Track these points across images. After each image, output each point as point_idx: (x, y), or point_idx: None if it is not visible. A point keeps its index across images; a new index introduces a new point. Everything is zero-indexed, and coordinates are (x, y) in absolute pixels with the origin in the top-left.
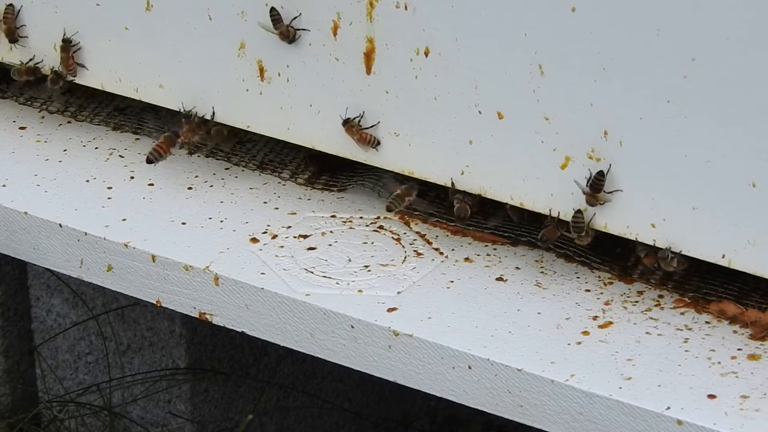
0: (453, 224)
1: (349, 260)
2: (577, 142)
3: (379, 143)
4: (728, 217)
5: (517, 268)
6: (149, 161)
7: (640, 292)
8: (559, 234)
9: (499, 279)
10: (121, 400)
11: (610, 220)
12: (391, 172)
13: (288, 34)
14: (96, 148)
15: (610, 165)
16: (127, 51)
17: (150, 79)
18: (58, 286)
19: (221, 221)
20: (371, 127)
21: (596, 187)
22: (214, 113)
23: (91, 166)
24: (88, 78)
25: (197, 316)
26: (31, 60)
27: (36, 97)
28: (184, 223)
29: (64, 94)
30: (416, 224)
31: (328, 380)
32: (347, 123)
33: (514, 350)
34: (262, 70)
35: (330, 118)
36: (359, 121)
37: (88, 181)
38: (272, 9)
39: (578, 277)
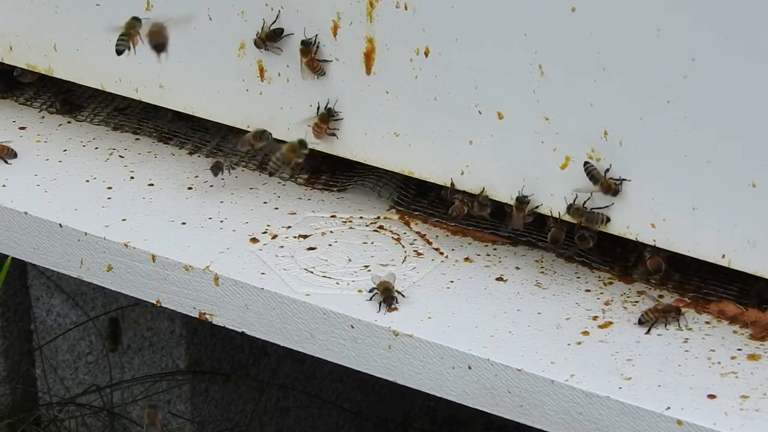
0: (453, 224)
1: (349, 260)
2: (577, 142)
3: (324, 74)
4: (728, 217)
5: (517, 268)
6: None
7: (640, 292)
8: (564, 236)
9: (499, 279)
10: (121, 401)
11: (610, 220)
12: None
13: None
14: (96, 148)
15: (611, 165)
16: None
17: (150, 79)
18: (58, 286)
19: (221, 221)
20: (327, 61)
21: (592, 176)
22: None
23: (91, 166)
24: (88, 78)
25: (197, 316)
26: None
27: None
28: (184, 223)
29: (64, 93)
30: (416, 224)
31: (328, 380)
32: (306, 45)
33: (514, 350)
34: (262, 70)
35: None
36: (316, 49)
37: (88, 181)
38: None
39: (578, 277)
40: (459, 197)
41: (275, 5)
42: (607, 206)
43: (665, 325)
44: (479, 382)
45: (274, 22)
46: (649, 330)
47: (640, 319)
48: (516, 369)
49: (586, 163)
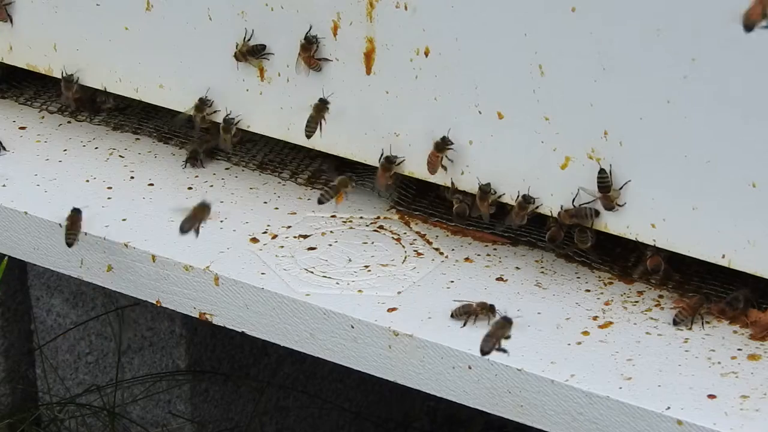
0: (453, 224)
1: (349, 260)
2: (577, 142)
3: (320, 69)
4: (728, 217)
5: (517, 268)
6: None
7: (640, 292)
8: (563, 235)
9: (499, 279)
10: (121, 401)
11: (610, 220)
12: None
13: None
14: (96, 148)
15: (610, 165)
16: (127, 51)
17: (150, 79)
18: (58, 286)
19: (221, 221)
20: (326, 60)
21: (604, 186)
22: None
23: (91, 166)
24: (88, 78)
25: (197, 316)
26: None
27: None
28: None
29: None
30: (416, 224)
31: (328, 380)
32: (309, 41)
33: (514, 350)
34: (262, 70)
35: (330, 118)
36: (316, 49)
37: (88, 181)
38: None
39: (578, 277)
40: (459, 197)
41: (275, 5)
42: (593, 200)
43: (701, 322)
44: (479, 382)
45: (250, 39)
46: (690, 326)
47: (674, 320)
48: (516, 369)
49: (602, 170)
